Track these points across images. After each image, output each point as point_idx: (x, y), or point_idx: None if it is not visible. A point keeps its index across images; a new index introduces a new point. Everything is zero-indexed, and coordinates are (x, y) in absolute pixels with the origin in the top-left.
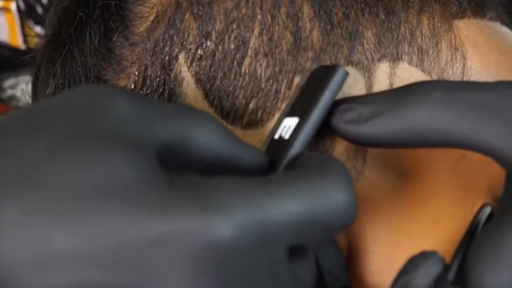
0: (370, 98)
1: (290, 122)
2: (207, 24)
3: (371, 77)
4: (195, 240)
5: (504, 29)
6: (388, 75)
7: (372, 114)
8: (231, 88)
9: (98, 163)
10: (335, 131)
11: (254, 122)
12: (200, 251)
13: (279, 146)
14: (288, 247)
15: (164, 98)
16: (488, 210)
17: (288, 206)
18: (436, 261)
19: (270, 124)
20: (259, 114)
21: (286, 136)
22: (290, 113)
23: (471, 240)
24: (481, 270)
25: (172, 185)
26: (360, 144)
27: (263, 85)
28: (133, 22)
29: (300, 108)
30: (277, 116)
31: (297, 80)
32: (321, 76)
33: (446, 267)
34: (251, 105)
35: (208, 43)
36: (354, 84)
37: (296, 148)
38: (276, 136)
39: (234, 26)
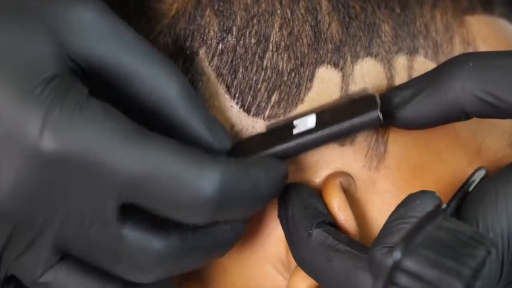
0: (410, 81)
1: (307, 118)
2: (228, 20)
3: (391, 68)
4: (23, 144)
5: (511, 26)
6: (406, 68)
7: (413, 95)
8: (253, 82)
9: None
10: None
11: (276, 114)
12: (26, 153)
13: (283, 132)
14: (123, 202)
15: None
16: (483, 172)
17: (132, 158)
18: (433, 198)
19: (292, 116)
20: (281, 106)
21: (294, 131)
22: (317, 114)
23: (467, 190)
24: (478, 211)
25: (38, 93)
26: (408, 128)
27: (285, 77)
28: (153, 19)
29: (325, 117)
30: (299, 108)
31: (318, 71)
32: (360, 105)
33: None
34: (274, 97)
35: (229, 38)
36: (376, 75)
37: (285, 147)
38: (295, 123)
39: (255, 21)
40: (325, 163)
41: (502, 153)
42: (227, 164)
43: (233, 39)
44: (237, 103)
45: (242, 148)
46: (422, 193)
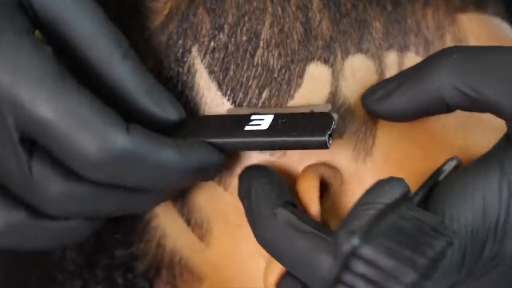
0: (396, 74)
1: (264, 117)
2: (220, 18)
3: (382, 64)
4: None
5: (504, 25)
6: (397, 64)
7: (397, 87)
8: (244, 79)
9: None
10: (368, 111)
11: None
12: None
13: (235, 123)
14: (28, 136)
15: (177, 90)
16: (454, 162)
17: (42, 96)
18: (402, 186)
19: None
20: (272, 103)
21: (247, 127)
22: (275, 116)
23: (437, 180)
24: (445, 202)
25: None
26: (392, 120)
27: (275, 74)
28: (147, 17)
29: (279, 124)
30: (289, 104)
31: (308, 68)
32: (316, 123)
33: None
34: (264, 94)
35: (221, 36)
36: (366, 71)
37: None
38: (253, 117)
39: (246, 18)
40: (313, 154)
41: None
42: (134, 132)
43: (225, 36)
44: (228, 99)
45: (190, 126)
46: (391, 180)
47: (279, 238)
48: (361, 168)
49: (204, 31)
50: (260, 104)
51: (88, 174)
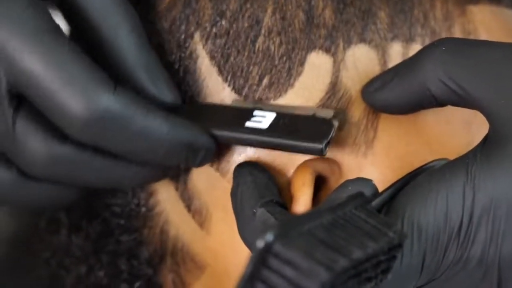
0: (394, 66)
1: (266, 115)
2: (222, 4)
3: (385, 54)
4: None
5: None
6: (402, 55)
7: (391, 78)
8: (244, 65)
9: None
10: (366, 102)
11: (267, 98)
12: None
13: (237, 117)
14: (15, 89)
15: (179, 75)
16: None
17: (32, 49)
18: (367, 186)
19: (282, 100)
20: (272, 90)
21: (247, 123)
22: (277, 115)
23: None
24: (407, 204)
25: None
26: (386, 111)
27: (276, 62)
28: (152, 2)
29: (280, 124)
30: (289, 92)
31: (309, 56)
32: (316, 128)
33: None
34: (265, 81)
35: (223, 22)
36: (368, 61)
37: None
38: (255, 113)
39: (248, 5)
40: None
41: None
42: (121, 93)
43: (227, 23)
44: (229, 85)
45: (190, 112)
46: (358, 180)
47: (255, 238)
48: (361, 161)
49: (206, 17)
50: (259, 91)
51: (71, 132)
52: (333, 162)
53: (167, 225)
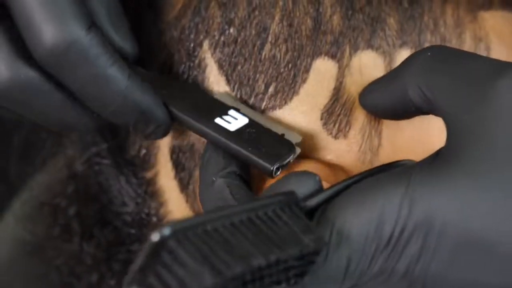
0: (390, 70)
1: (239, 118)
2: (231, 12)
3: (392, 62)
4: None
5: None
6: None
7: (381, 82)
8: (251, 74)
9: None
10: (360, 104)
11: (272, 106)
12: None
13: (211, 111)
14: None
15: (188, 84)
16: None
17: None
18: (310, 181)
19: (287, 107)
20: (277, 98)
21: (217, 119)
22: (249, 121)
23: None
24: (340, 208)
25: None
26: (376, 115)
27: (281, 69)
28: (162, 10)
29: (245, 131)
30: (294, 99)
31: (315, 63)
32: (276, 146)
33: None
34: (270, 90)
35: (231, 30)
36: (374, 68)
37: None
38: (230, 112)
39: (256, 13)
40: (315, 152)
41: None
42: (94, 33)
43: (235, 31)
44: (236, 95)
45: (171, 84)
46: (302, 173)
47: (211, 205)
48: (368, 168)
49: (215, 25)
50: (265, 100)
51: (37, 55)
52: (339, 169)
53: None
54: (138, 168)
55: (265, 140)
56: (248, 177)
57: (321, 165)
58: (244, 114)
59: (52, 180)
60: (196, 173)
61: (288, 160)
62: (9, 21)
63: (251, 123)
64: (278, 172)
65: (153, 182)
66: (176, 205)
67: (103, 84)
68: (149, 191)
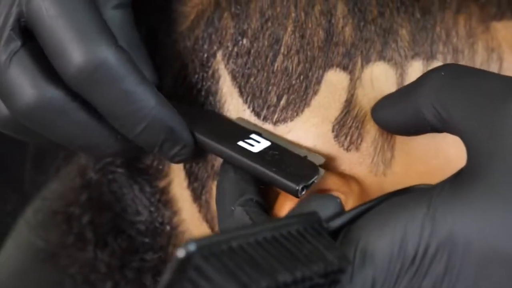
0: (403, 86)
1: (262, 141)
2: (244, 23)
3: (403, 74)
4: None
5: None
6: (421, 73)
7: (394, 99)
8: (263, 85)
9: None
10: (372, 118)
11: (284, 118)
12: None
13: (234, 134)
14: (23, 22)
15: (201, 95)
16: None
17: None
18: (331, 203)
19: (299, 119)
20: (289, 110)
21: (240, 142)
22: (272, 144)
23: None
24: (364, 230)
25: None
26: (389, 130)
27: (293, 81)
28: (175, 21)
29: (269, 154)
30: (305, 111)
31: (327, 75)
32: (301, 167)
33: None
34: (282, 102)
35: (244, 41)
36: (386, 79)
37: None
38: (252, 136)
39: (269, 24)
40: (331, 166)
41: None
42: (121, 52)
43: (248, 42)
44: (248, 107)
45: (192, 112)
46: (324, 196)
47: None
48: (381, 180)
49: (228, 36)
50: (277, 112)
51: (65, 75)
52: (352, 179)
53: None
54: (151, 177)
55: (288, 161)
56: (265, 203)
57: (333, 176)
58: (266, 138)
59: (66, 188)
60: (209, 183)
61: (313, 180)
62: (34, 42)
63: (274, 146)
64: (303, 192)
65: (166, 191)
66: (189, 214)
67: (132, 103)
68: (163, 200)
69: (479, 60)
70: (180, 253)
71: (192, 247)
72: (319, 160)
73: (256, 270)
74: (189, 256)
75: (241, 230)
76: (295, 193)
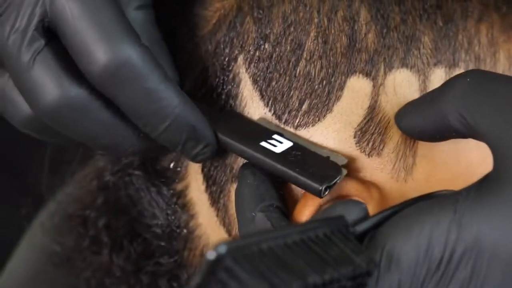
0: (427, 92)
1: (284, 141)
2: (266, 27)
3: (426, 80)
4: None
5: None
6: (444, 80)
7: (418, 105)
8: (285, 90)
9: None
10: (396, 125)
11: (306, 123)
12: None
13: (256, 135)
14: (47, 22)
15: (222, 98)
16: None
17: None
18: (356, 209)
19: (321, 124)
20: (311, 115)
21: (263, 143)
22: (294, 144)
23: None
24: (389, 235)
25: None
26: (413, 137)
27: (316, 86)
28: (197, 25)
29: (291, 153)
30: (328, 117)
31: (349, 81)
32: (323, 168)
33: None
34: (304, 106)
35: (266, 45)
36: (408, 86)
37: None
38: (274, 136)
39: (292, 29)
40: (351, 171)
41: None
42: (145, 50)
43: (270, 46)
44: (270, 110)
45: (214, 114)
46: (349, 201)
47: None
48: (402, 186)
49: (250, 40)
50: (299, 116)
51: (90, 74)
52: (372, 185)
53: (207, 248)
54: (169, 179)
55: (311, 161)
56: (285, 209)
57: (353, 181)
58: (288, 138)
59: (82, 191)
60: (227, 187)
61: (335, 180)
62: (57, 41)
63: (296, 146)
64: (326, 193)
65: (183, 195)
66: (206, 218)
67: (155, 101)
68: (180, 203)
69: (500, 68)
70: (211, 255)
71: (222, 249)
72: (341, 161)
73: (286, 272)
74: (219, 258)
75: (270, 233)
76: (318, 193)
